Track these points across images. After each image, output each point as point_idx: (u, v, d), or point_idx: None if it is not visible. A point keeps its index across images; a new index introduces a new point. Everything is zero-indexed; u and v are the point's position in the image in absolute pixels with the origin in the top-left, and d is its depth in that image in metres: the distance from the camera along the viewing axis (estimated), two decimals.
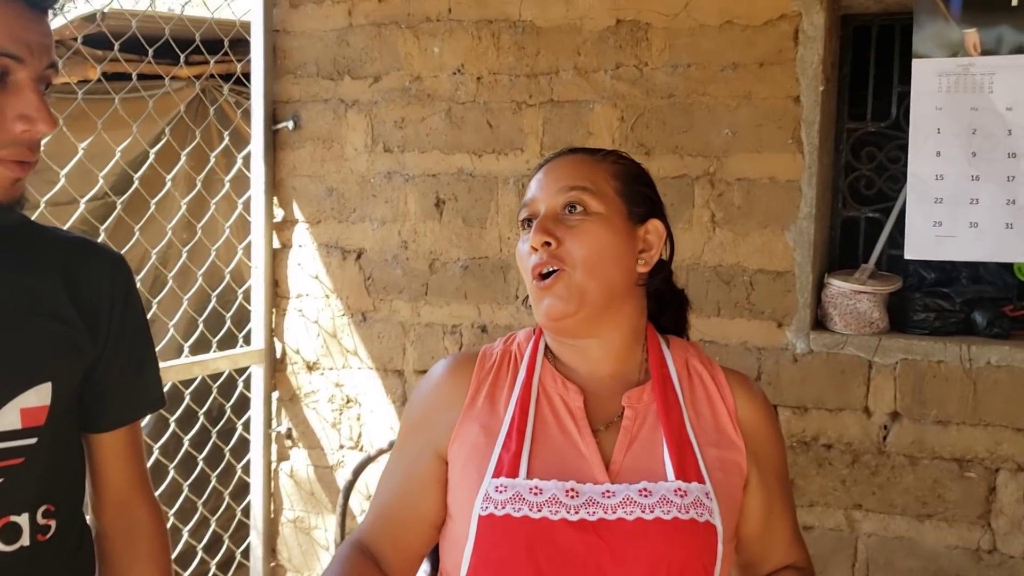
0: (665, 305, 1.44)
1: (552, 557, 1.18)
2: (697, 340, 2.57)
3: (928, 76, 2.34)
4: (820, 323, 2.57)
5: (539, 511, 1.19)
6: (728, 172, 2.59)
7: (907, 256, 2.42)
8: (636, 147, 2.66)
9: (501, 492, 1.21)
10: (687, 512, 1.20)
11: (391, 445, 1.53)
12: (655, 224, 1.35)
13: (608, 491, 1.21)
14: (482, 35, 2.84)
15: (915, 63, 2.36)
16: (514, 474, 1.23)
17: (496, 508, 1.20)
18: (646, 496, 1.20)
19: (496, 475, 1.23)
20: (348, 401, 3.12)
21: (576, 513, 1.19)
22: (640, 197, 1.35)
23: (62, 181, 2.53)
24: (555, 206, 1.30)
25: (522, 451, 1.25)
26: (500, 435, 1.27)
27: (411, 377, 3.01)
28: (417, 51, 2.92)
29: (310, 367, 3.16)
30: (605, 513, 1.19)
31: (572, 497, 1.20)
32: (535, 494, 1.21)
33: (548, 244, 1.27)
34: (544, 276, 1.28)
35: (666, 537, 1.18)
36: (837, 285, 2.51)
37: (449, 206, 2.91)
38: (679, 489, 1.21)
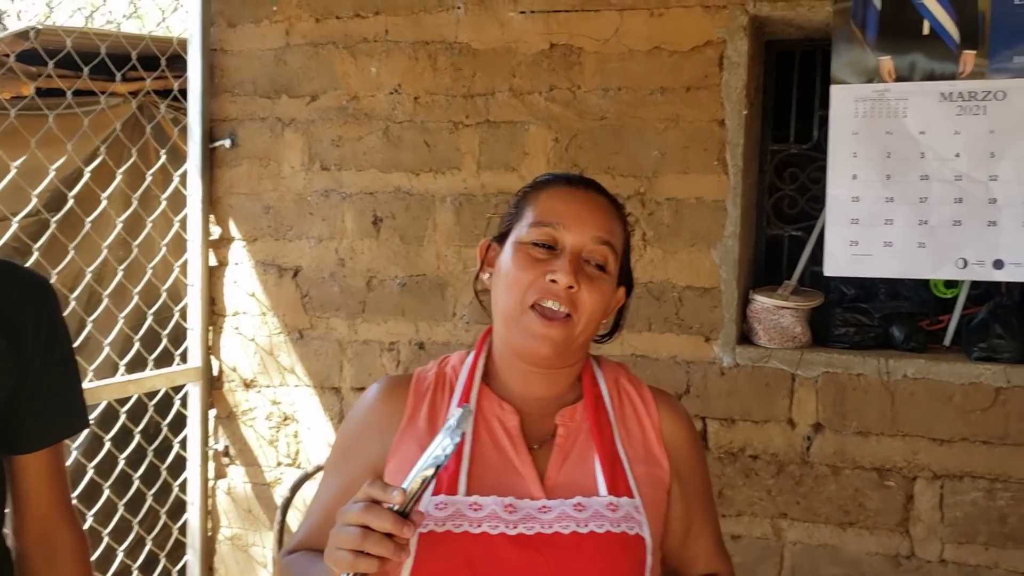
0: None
1: (492, 571, 1.21)
2: (629, 354, 2.67)
3: (845, 101, 2.45)
4: (746, 337, 2.65)
5: (479, 527, 1.22)
6: (658, 192, 2.67)
7: (826, 273, 2.52)
8: (570, 167, 2.73)
9: (441, 509, 1.23)
10: (619, 526, 1.24)
11: None
12: (621, 292, 1.40)
13: (544, 506, 1.25)
14: (419, 56, 2.89)
15: (833, 89, 2.46)
16: (453, 491, 1.25)
17: (436, 525, 1.22)
18: (580, 511, 1.25)
19: (436, 493, 1.25)
20: (285, 418, 3.13)
21: (515, 528, 1.23)
22: (626, 265, 1.40)
23: None
24: (583, 250, 1.30)
25: (460, 469, 1.27)
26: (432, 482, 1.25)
27: (348, 394, 3.03)
28: (354, 71, 2.96)
29: (247, 385, 3.16)
30: (543, 528, 1.23)
31: (511, 512, 1.24)
32: (475, 510, 1.23)
33: (572, 288, 1.28)
34: (545, 308, 1.28)
35: (600, 550, 1.23)
36: (761, 301, 2.60)
37: (386, 224, 2.95)
38: (611, 504, 1.26)
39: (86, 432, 2.77)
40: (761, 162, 2.83)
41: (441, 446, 1.07)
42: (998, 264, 2.35)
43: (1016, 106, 2.32)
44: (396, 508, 1.06)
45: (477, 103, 2.83)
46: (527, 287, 1.29)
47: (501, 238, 1.38)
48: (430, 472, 1.06)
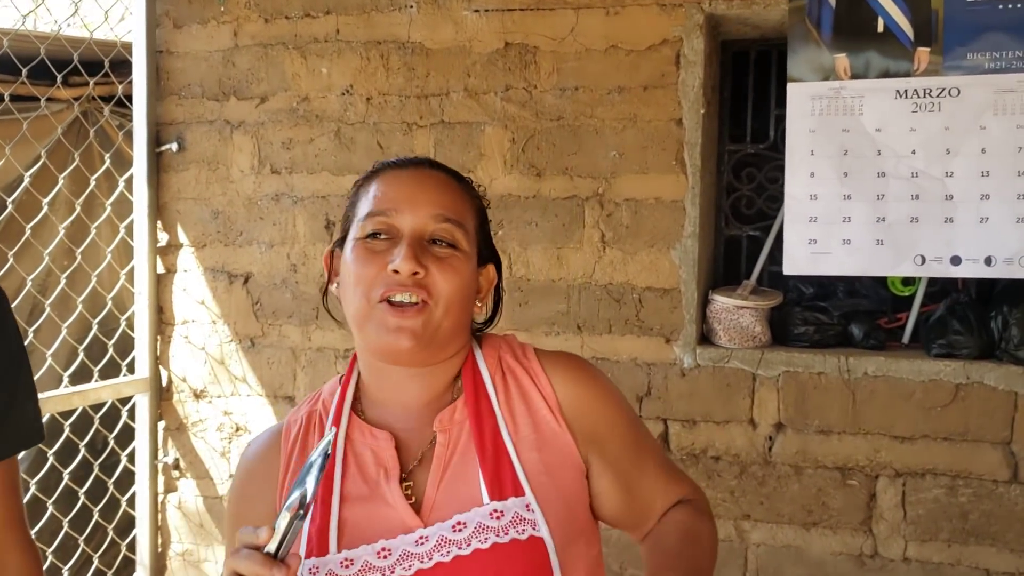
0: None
1: None
2: (590, 357, 2.63)
3: (802, 99, 2.44)
4: (706, 338, 2.63)
5: None
6: (616, 193, 2.64)
7: (785, 272, 2.51)
8: (527, 168, 2.69)
9: (314, 574, 1.14)
10: (505, 533, 1.13)
11: None
12: (490, 269, 1.29)
13: (421, 537, 1.14)
14: (371, 56, 2.83)
15: (790, 87, 2.45)
16: (323, 551, 1.15)
17: None
18: (460, 531, 1.13)
19: (308, 556, 1.15)
20: (237, 429, 3.04)
21: (392, 573, 1.12)
22: (486, 239, 1.30)
23: None
24: (423, 231, 1.20)
25: (328, 525, 1.16)
26: (309, 511, 1.16)
27: None
28: (305, 72, 2.90)
29: (197, 395, 3.07)
30: (422, 563, 1.12)
31: (384, 558, 1.13)
32: (346, 567, 1.13)
33: (416, 273, 1.17)
34: (396, 303, 1.17)
35: (488, 567, 1.12)
36: (721, 301, 2.58)
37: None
38: (494, 511, 1.14)
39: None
40: (719, 162, 2.81)
41: (306, 478, 1.00)
42: (955, 260, 2.35)
43: (970, 103, 2.33)
44: (270, 550, 0.98)
45: (431, 103, 2.78)
46: (371, 283, 1.18)
47: (342, 242, 1.26)
48: (296, 503, 0.99)
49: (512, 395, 1.23)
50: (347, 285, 1.22)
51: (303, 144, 2.91)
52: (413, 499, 1.17)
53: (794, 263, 2.47)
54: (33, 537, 2.40)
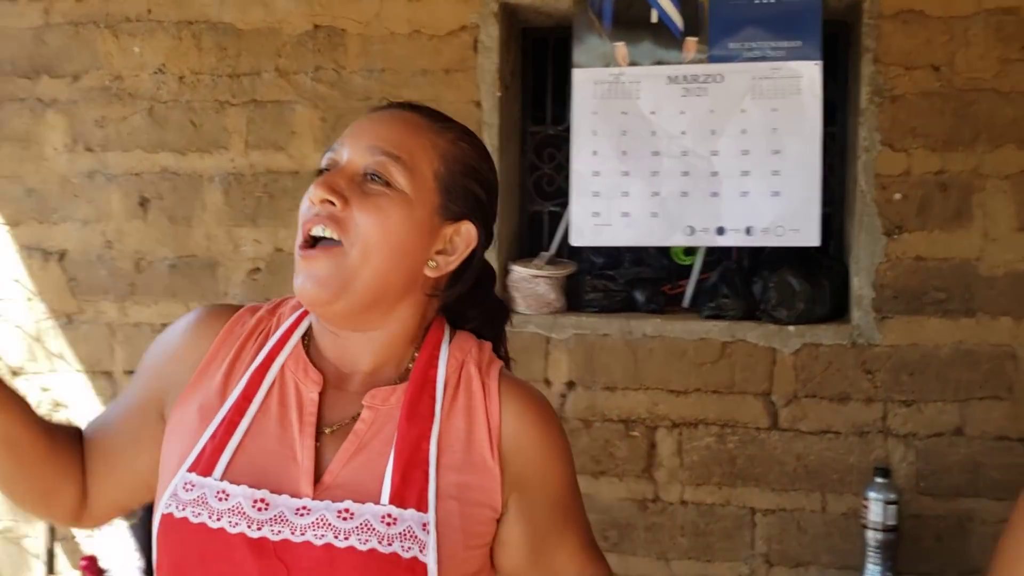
0: (483, 316, 1.25)
1: (225, 574, 1.03)
2: None
3: (586, 84, 2.65)
4: None
5: (218, 520, 1.03)
6: None
7: (571, 243, 2.72)
8: None
9: (188, 490, 1.05)
10: (389, 544, 1.01)
11: None
12: (468, 227, 1.15)
13: (304, 507, 1.04)
14: (183, 35, 2.90)
15: (575, 72, 2.67)
16: (208, 471, 1.06)
17: (177, 508, 1.05)
18: (346, 519, 1.02)
19: (191, 469, 1.07)
20: (57, 405, 3.06)
21: (259, 529, 1.02)
22: (462, 192, 1.14)
23: None
24: (358, 165, 1.10)
25: (226, 446, 1.08)
26: (215, 421, 1.10)
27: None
28: (117, 50, 2.94)
29: (14, 373, 3.07)
30: (292, 534, 1.02)
31: (260, 510, 1.04)
32: (220, 499, 1.04)
33: (331, 203, 1.07)
34: (314, 242, 1.09)
35: (356, 570, 1.00)
36: (518, 271, 2.77)
37: (154, 205, 2.94)
38: (388, 515, 1.03)
39: None
40: (521, 142, 3.00)
41: None
42: (720, 231, 2.61)
43: (732, 88, 2.59)
44: None
45: (243, 83, 2.87)
46: (300, 222, 1.10)
47: None
48: None
49: (458, 405, 1.11)
50: None
51: (116, 122, 2.95)
52: (318, 463, 1.08)
53: (580, 234, 2.69)
54: None
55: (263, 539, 1.02)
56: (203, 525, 1.03)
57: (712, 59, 2.59)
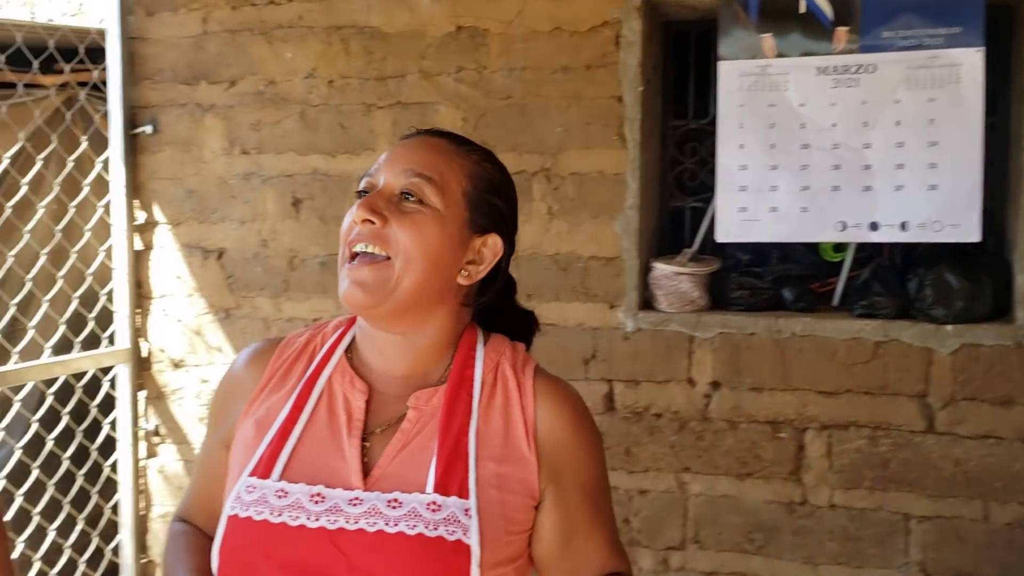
0: (514, 325, 1.36)
1: (289, 565, 1.13)
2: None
3: (731, 76, 2.60)
4: (648, 303, 2.80)
5: (279, 516, 1.14)
6: (562, 167, 2.80)
7: (718, 239, 2.68)
8: None
9: (250, 492, 1.17)
10: (435, 528, 1.11)
11: None
12: (494, 239, 1.27)
13: (356, 499, 1.14)
14: (332, 40, 2.99)
15: (720, 65, 2.62)
16: (267, 475, 1.18)
17: (241, 509, 1.16)
18: (395, 507, 1.13)
19: (252, 474, 1.19)
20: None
21: (316, 520, 1.13)
22: (488, 207, 1.26)
23: None
24: (394, 187, 1.22)
25: (282, 450, 1.19)
26: (270, 432, 1.22)
27: None
28: (270, 56, 3.05)
29: (176, 365, 3.24)
30: (347, 523, 1.13)
31: (317, 503, 1.15)
32: (280, 497, 1.15)
33: (371, 222, 1.18)
34: (356, 255, 1.20)
35: (406, 553, 1.11)
36: (661, 268, 2.74)
37: (306, 205, 3.05)
38: (433, 503, 1.13)
39: (12, 413, 2.86)
40: (662, 137, 2.97)
41: None
42: (873, 226, 2.52)
43: (886, 78, 2.49)
44: None
45: (389, 85, 2.94)
46: (344, 238, 1.22)
47: None
48: None
49: (495, 403, 1.22)
50: None
51: (270, 126, 3.07)
52: (366, 460, 1.19)
53: (726, 230, 2.64)
54: (19, 498, 2.54)
55: (321, 528, 1.13)
56: (265, 521, 1.14)
57: (864, 49, 2.50)
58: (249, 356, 1.34)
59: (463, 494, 1.14)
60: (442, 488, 1.14)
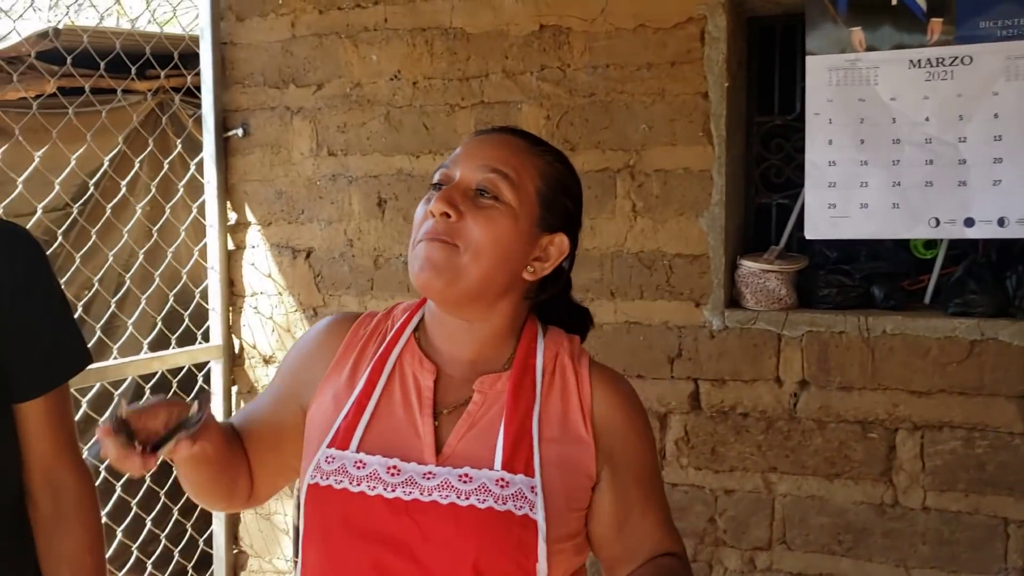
0: (570, 321, 1.40)
1: (366, 532, 1.19)
2: (623, 322, 2.79)
3: (820, 71, 2.56)
4: (734, 301, 2.77)
5: (358, 485, 1.20)
6: (646, 164, 2.79)
7: (806, 236, 2.63)
8: (561, 143, 2.86)
9: (329, 463, 1.23)
10: (504, 503, 1.18)
11: None
12: (561, 239, 1.31)
13: (429, 473, 1.21)
14: (416, 42, 3.03)
15: (808, 60, 2.57)
16: (345, 446, 1.24)
17: (321, 478, 1.22)
18: (466, 482, 1.19)
19: (330, 445, 1.24)
20: None
21: (393, 491, 1.19)
22: (558, 207, 1.31)
23: (19, 188, 2.69)
24: (470, 181, 1.25)
25: (358, 423, 1.25)
26: (347, 405, 1.28)
27: None
28: (356, 59, 3.11)
29: (267, 361, 3.33)
30: (421, 494, 1.19)
31: (393, 475, 1.20)
32: (358, 468, 1.22)
33: (448, 216, 1.22)
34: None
35: (476, 525, 1.17)
36: (748, 265, 2.71)
37: (390, 205, 3.10)
38: (501, 479, 1.19)
39: (112, 407, 2.96)
40: (748, 133, 2.94)
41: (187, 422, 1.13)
42: (969, 222, 2.45)
43: (982, 70, 2.42)
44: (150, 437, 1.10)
45: (472, 85, 2.97)
46: (418, 226, 1.27)
47: None
48: (194, 420, 1.13)
49: (555, 389, 1.28)
50: None
51: (356, 127, 3.13)
52: (437, 437, 1.25)
53: (815, 227, 2.60)
54: (118, 488, 2.64)
55: (397, 499, 1.19)
56: (345, 490, 1.21)
57: (960, 40, 2.43)
58: (329, 326, 1.39)
59: (529, 472, 1.20)
60: (509, 466, 1.20)
